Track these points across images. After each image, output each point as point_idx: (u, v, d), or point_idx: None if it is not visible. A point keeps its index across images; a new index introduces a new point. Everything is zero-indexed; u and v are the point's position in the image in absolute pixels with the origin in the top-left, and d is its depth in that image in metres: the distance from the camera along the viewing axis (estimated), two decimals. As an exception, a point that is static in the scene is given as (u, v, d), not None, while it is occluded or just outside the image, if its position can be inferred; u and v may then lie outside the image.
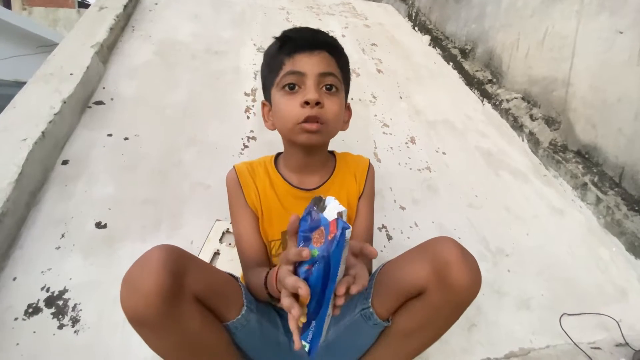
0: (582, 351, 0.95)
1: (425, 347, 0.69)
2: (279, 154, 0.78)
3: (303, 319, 0.46)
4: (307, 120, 0.63)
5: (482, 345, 0.95)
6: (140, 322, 0.50)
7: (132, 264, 0.51)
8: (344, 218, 0.47)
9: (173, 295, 0.49)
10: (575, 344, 0.97)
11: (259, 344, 0.66)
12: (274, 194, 0.72)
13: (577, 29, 1.58)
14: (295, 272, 0.48)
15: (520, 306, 1.07)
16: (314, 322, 0.46)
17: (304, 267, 0.46)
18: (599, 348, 0.97)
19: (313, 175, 0.74)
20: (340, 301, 0.46)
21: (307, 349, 0.47)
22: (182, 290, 0.51)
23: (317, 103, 0.62)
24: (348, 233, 0.45)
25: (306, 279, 0.45)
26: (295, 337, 0.46)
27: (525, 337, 0.99)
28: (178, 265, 0.51)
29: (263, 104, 0.73)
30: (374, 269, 0.71)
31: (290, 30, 0.68)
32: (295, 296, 0.45)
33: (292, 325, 0.46)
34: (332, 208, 0.48)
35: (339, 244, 0.44)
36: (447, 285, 0.57)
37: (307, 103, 0.62)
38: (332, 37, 0.69)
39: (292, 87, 0.64)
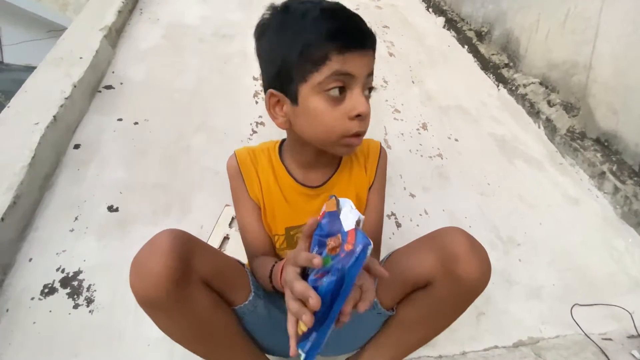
0: (592, 342, 0.94)
1: (429, 339, 0.69)
2: (283, 141, 0.70)
3: (304, 328, 0.43)
4: (357, 134, 0.55)
5: (490, 333, 0.95)
6: (150, 305, 0.51)
7: (141, 248, 0.51)
8: (361, 225, 0.44)
9: (182, 278, 0.50)
10: (585, 334, 0.96)
11: (267, 328, 0.67)
12: (278, 188, 0.67)
13: (601, 10, 1.49)
14: (303, 275, 0.45)
15: (531, 296, 1.06)
16: (314, 334, 0.43)
17: (314, 275, 0.43)
18: (610, 339, 0.96)
19: (318, 171, 0.68)
20: (346, 318, 0.43)
21: (302, 358, 0.43)
22: (190, 273, 0.51)
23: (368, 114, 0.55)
24: (369, 250, 0.41)
25: (315, 288, 0.41)
26: (292, 342, 0.43)
27: (534, 327, 0.98)
28: (186, 249, 0.51)
29: (271, 95, 0.57)
30: (381, 257, 0.70)
31: (334, 13, 0.53)
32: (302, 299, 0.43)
33: (291, 330, 0.43)
34: (348, 213, 0.45)
35: (358, 261, 0.40)
36: (454, 277, 0.55)
37: (358, 115, 0.53)
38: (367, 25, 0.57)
39: (341, 91, 0.53)
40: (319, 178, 0.67)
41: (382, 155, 0.72)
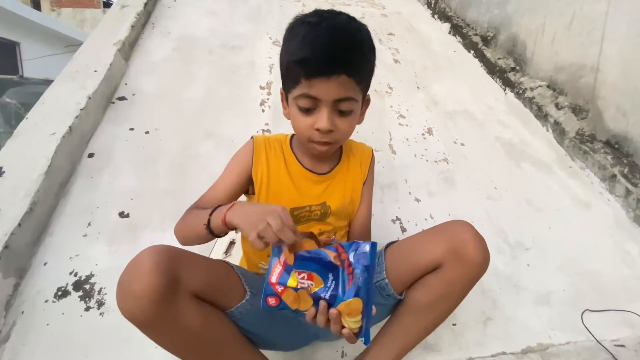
0: (604, 348, 0.92)
1: (436, 325, 0.71)
2: (293, 135, 0.80)
3: (358, 324, 0.54)
4: (320, 142, 0.67)
5: (497, 339, 0.93)
6: (138, 324, 0.51)
7: (126, 267, 0.51)
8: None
9: (167, 296, 0.50)
10: (597, 340, 0.93)
11: (266, 323, 0.67)
12: (287, 173, 0.75)
13: (607, 12, 1.48)
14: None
15: (540, 301, 1.04)
16: (364, 320, 0.54)
17: (327, 290, 0.54)
18: (622, 345, 0.93)
19: (322, 162, 0.78)
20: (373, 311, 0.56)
21: (363, 341, 0.56)
22: (176, 290, 0.51)
23: (330, 130, 0.64)
24: (377, 246, 0.54)
25: (359, 288, 0.54)
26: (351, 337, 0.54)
27: (544, 333, 0.96)
28: (171, 266, 0.51)
29: (281, 90, 0.71)
30: (379, 248, 0.70)
31: (316, 39, 0.59)
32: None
33: (345, 333, 0.54)
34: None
35: (372, 256, 0.54)
36: (463, 261, 0.63)
37: (318, 129, 0.64)
38: (355, 47, 0.61)
39: (306, 110, 0.64)
40: (324, 167, 0.78)
41: (372, 158, 0.85)
